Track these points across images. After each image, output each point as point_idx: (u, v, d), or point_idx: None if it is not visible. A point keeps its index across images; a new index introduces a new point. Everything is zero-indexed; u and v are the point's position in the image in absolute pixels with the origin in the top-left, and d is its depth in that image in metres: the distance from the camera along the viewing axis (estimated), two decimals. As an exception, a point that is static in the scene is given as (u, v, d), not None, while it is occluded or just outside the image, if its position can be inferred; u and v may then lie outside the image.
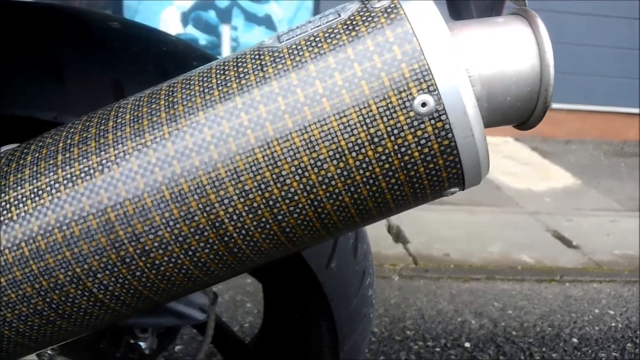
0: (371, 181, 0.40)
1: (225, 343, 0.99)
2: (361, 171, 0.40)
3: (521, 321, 1.88)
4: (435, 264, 2.24)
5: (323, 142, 0.39)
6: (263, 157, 0.40)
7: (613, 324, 1.91)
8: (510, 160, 3.66)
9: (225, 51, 3.90)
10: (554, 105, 4.09)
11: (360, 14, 0.41)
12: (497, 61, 0.42)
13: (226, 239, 0.41)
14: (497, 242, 2.46)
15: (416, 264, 2.23)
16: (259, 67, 0.41)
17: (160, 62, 0.63)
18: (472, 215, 2.76)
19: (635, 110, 4.18)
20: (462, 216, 2.74)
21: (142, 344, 0.79)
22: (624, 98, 4.12)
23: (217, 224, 0.41)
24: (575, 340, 1.79)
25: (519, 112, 0.44)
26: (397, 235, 2.49)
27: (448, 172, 0.41)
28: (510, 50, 0.42)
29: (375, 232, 2.47)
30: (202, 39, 3.93)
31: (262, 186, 0.40)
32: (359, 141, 0.39)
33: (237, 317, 1.79)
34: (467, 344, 1.73)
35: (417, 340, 1.74)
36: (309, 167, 0.39)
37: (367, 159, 0.39)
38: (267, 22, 3.95)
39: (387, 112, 0.39)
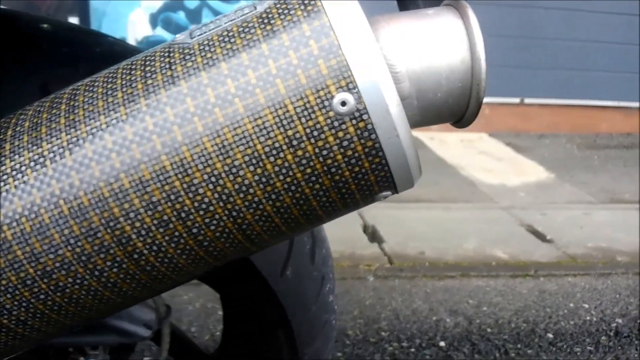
0: (293, 187, 0.37)
1: (187, 356, 0.96)
2: (281, 177, 0.37)
3: (496, 318, 1.87)
4: (410, 263, 2.23)
5: (237, 146, 0.36)
6: (171, 164, 0.36)
7: (588, 318, 1.91)
8: (484, 156, 3.67)
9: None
10: (527, 100, 4.12)
11: (277, 6, 0.38)
12: (426, 56, 0.39)
13: (136, 256, 0.38)
14: (472, 238, 2.45)
15: (391, 264, 2.21)
16: (167, 66, 0.38)
17: (92, 64, 0.59)
18: (447, 212, 2.75)
19: (608, 103, 4.22)
20: (438, 213, 2.73)
21: (92, 361, 0.75)
22: (596, 91, 4.17)
23: (123, 241, 0.37)
24: (550, 335, 1.79)
25: (452, 109, 0.42)
26: (373, 235, 2.48)
27: (376, 176, 0.38)
28: (439, 43, 0.40)
29: (351, 233, 2.45)
30: (172, 41, 3.87)
31: (172, 197, 0.36)
32: (277, 145, 0.36)
33: (209, 325, 1.75)
34: (442, 343, 1.72)
35: (392, 342, 1.72)
36: (223, 175, 0.36)
37: (286, 164, 0.36)
38: (238, 22, 3.90)
39: (305, 113, 0.36)
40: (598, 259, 2.33)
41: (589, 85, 4.14)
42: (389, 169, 0.38)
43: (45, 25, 0.62)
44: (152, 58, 0.39)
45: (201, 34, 0.39)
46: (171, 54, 0.38)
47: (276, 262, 0.70)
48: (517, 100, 4.12)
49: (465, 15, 0.40)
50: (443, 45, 0.40)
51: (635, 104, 4.22)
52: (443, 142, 3.89)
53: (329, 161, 0.37)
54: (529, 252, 2.34)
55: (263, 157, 0.36)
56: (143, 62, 0.39)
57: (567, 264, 2.28)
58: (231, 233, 0.38)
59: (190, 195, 0.36)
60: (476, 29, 0.39)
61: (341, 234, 2.41)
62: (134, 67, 0.39)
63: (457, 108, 0.41)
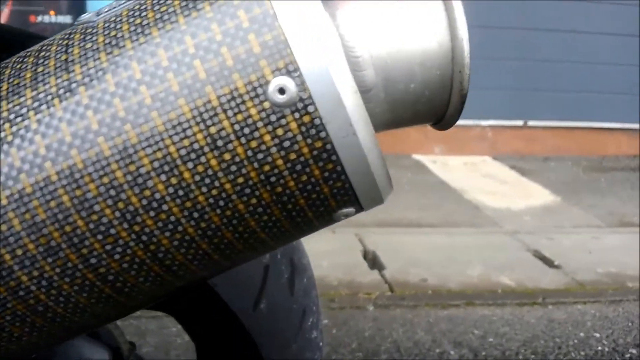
0: (222, 203, 0.29)
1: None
2: (204, 189, 0.29)
3: (503, 349, 1.76)
4: (412, 291, 2.13)
5: (143, 149, 0.28)
6: (57, 173, 0.28)
7: (599, 348, 1.80)
8: (488, 179, 3.59)
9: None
10: (531, 123, 4.06)
11: None
12: (394, 38, 0.32)
13: (22, 293, 0.30)
14: (476, 264, 2.36)
15: (392, 292, 2.12)
16: (63, 49, 0.30)
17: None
18: (450, 236, 2.66)
19: (613, 125, 4.15)
20: (440, 238, 2.64)
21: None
22: (601, 113, 4.10)
23: (3, 273, 0.29)
24: (560, 367, 1.69)
25: (430, 103, 0.34)
26: (373, 261, 2.38)
27: (330, 187, 0.30)
28: (411, 22, 0.32)
29: (350, 259, 2.36)
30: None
31: (60, 217, 0.28)
32: (196, 146, 0.28)
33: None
34: (445, 377, 1.62)
35: (392, 376, 1.62)
36: (125, 187, 0.28)
37: (210, 172, 0.28)
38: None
39: (233, 104, 0.28)
40: (608, 285, 2.22)
41: (594, 107, 4.08)
42: (346, 178, 0.30)
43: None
44: (51, 43, 0.32)
45: (109, 10, 0.31)
46: (71, 36, 0.31)
47: (248, 294, 0.62)
48: (520, 122, 4.05)
49: None
50: (415, 24, 0.32)
51: (641, 126, 4.15)
52: (446, 165, 3.82)
53: (267, 167, 0.29)
54: (536, 279, 2.24)
55: (178, 162, 0.28)
56: (39, 48, 0.32)
57: (576, 290, 2.18)
58: (144, 263, 0.30)
59: (83, 214, 0.28)
60: (457, 5, 0.32)
61: (340, 260, 2.32)
62: (28, 55, 0.32)
63: (436, 102, 0.34)
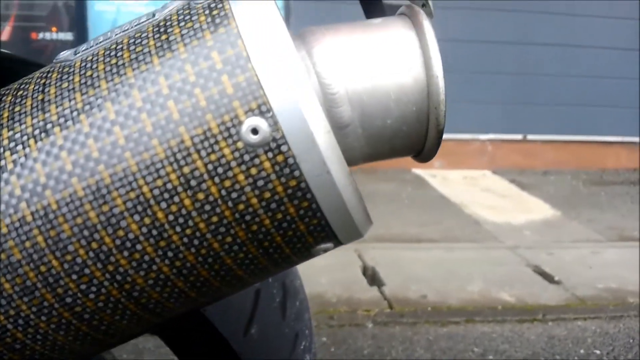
0: (197, 242, 0.29)
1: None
2: (178, 229, 0.29)
3: (503, 367, 1.75)
4: (411, 308, 2.12)
5: (117, 189, 0.28)
6: (32, 214, 0.29)
7: (600, 365, 1.79)
8: (488, 194, 3.58)
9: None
10: (530, 137, 4.06)
11: (179, 12, 0.31)
12: (369, 74, 0.32)
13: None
14: (476, 280, 2.35)
15: (392, 309, 2.11)
16: (40, 89, 0.31)
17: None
18: (450, 252, 2.65)
19: (612, 139, 4.15)
20: (440, 254, 2.63)
21: None
22: (600, 127, 4.10)
23: None
24: (561, 385, 1.67)
25: (407, 138, 0.34)
26: (373, 278, 2.37)
27: (307, 224, 0.30)
28: (386, 59, 0.32)
29: (349, 275, 2.35)
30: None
31: (35, 257, 0.29)
32: (169, 186, 0.28)
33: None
34: (445, 396, 1.60)
35: (391, 395, 1.60)
36: (99, 227, 0.28)
37: (183, 211, 0.29)
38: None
39: (206, 144, 0.28)
40: (608, 300, 2.21)
41: (593, 120, 4.08)
42: (322, 215, 0.30)
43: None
44: (29, 81, 0.32)
45: (87, 49, 0.32)
46: (49, 75, 0.31)
47: (238, 319, 0.62)
48: (519, 136, 4.06)
49: (418, 25, 0.33)
50: (391, 61, 0.32)
51: (641, 139, 4.15)
52: (445, 179, 3.82)
53: (241, 207, 0.29)
54: (536, 295, 2.23)
55: (152, 202, 0.28)
56: (18, 87, 0.32)
57: (576, 306, 2.16)
58: (119, 302, 0.30)
59: (58, 254, 0.29)
60: (432, 42, 0.32)
61: (339, 276, 2.31)
62: (6, 93, 0.32)
63: (414, 138, 0.34)
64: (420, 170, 3.91)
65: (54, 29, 3.74)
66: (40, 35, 3.73)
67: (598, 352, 1.86)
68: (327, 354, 1.79)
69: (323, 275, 2.28)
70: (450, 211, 3.21)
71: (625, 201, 3.53)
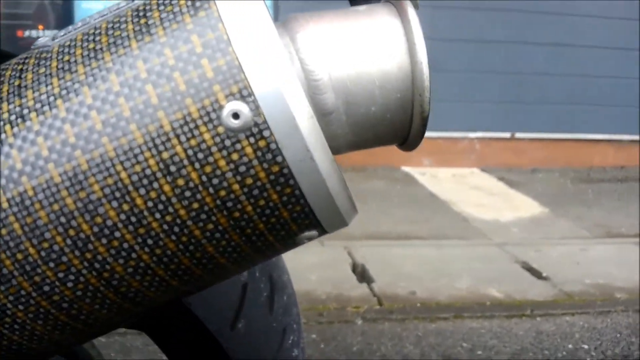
0: (177, 229, 0.29)
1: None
2: (158, 215, 0.28)
3: (491, 362, 1.76)
4: (401, 304, 2.12)
5: (94, 175, 0.28)
6: (8, 200, 0.28)
7: (588, 359, 1.80)
8: (476, 191, 3.60)
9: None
10: (518, 135, 4.08)
11: None
12: (354, 61, 0.32)
13: None
14: (465, 276, 2.36)
15: (381, 305, 2.11)
16: (17, 75, 0.30)
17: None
18: (439, 249, 2.66)
19: (600, 137, 4.19)
20: (429, 251, 2.64)
21: None
22: (587, 125, 4.13)
23: None
24: (549, 380, 1.68)
25: (392, 126, 0.34)
26: (362, 275, 2.38)
27: (290, 211, 0.30)
28: (370, 46, 0.32)
29: (339, 272, 2.35)
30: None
31: (11, 244, 0.28)
32: (148, 172, 0.28)
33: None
34: (434, 392, 1.61)
35: (380, 391, 1.61)
36: (76, 214, 0.28)
37: (163, 198, 0.28)
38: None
39: (186, 129, 0.28)
40: (596, 296, 2.23)
41: (580, 119, 4.12)
42: (306, 202, 0.30)
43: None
44: (6, 67, 0.31)
45: (65, 35, 0.31)
46: (26, 61, 0.31)
47: (225, 314, 0.61)
48: (508, 134, 4.08)
49: (403, 12, 0.33)
50: (375, 48, 0.32)
51: (627, 137, 4.19)
52: (434, 177, 3.83)
53: (222, 193, 0.28)
54: (524, 291, 2.25)
55: (130, 188, 0.28)
56: None
57: (564, 302, 2.18)
58: (98, 291, 0.30)
59: (35, 241, 0.28)
60: (416, 28, 0.32)
61: (329, 273, 2.31)
62: None
63: (398, 125, 0.34)
64: (410, 168, 3.92)
65: (40, 26, 3.70)
66: (27, 33, 3.69)
67: (586, 346, 1.88)
68: (317, 350, 1.79)
69: (313, 272, 2.28)
70: (439, 209, 3.22)
71: (612, 198, 3.56)
